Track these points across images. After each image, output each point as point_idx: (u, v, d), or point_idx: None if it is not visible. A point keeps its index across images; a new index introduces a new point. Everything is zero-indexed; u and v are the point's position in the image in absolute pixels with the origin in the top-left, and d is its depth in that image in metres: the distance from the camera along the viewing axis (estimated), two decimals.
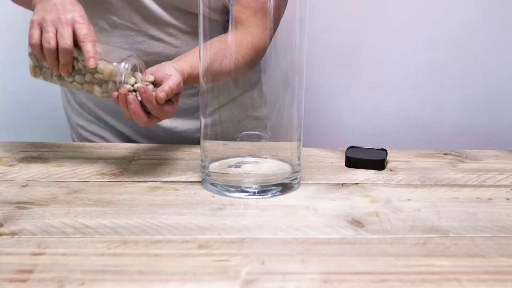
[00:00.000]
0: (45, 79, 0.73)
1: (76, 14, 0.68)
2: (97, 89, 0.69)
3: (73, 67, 0.69)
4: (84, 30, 0.67)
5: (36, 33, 0.68)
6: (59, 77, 0.71)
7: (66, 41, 0.66)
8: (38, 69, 0.73)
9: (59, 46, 0.67)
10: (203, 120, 0.68)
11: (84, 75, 0.70)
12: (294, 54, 0.82)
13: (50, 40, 0.67)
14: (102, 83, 0.69)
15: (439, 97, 1.43)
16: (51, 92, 1.36)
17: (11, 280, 0.45)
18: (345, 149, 0.83)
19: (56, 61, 0.68)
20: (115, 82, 0.67)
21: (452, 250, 0.52)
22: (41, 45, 0.68)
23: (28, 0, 0.76)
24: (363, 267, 0.48)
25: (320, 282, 0.45)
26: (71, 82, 0.71)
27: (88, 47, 0.67)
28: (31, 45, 0.68)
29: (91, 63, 0.66)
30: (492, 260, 0.50)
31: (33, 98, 1.38)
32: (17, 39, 1.31)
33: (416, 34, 1.38)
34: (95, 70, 0.68)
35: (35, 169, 0.75)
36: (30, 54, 0.72)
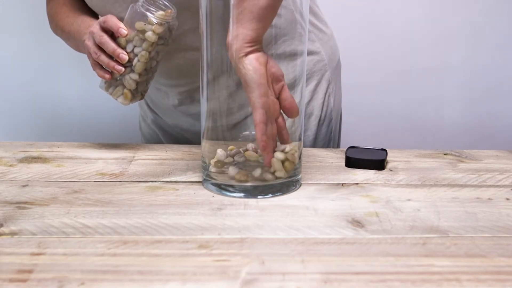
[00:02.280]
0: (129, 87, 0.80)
1: (93, 25, 0.78)
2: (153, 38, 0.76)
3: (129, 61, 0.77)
4: (102, 20, 0.76)
5: (91, 60, 0.79)
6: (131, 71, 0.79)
7: (100, 39, 0.76)
8: (127, 91, 0.80)
9: (100, 45, 0.76)
10: (203, 120, 0.68)
11: (137, 47, 0.77)
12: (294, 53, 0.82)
13: (95, 54, 0.78)
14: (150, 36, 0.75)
15: (439, 97, 1.43)
16: (51, 92, 1.36)
17: (11, 280, 0.45)
18: (345, 149, 0.83)
19: (111, 59, 0.77)
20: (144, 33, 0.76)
21: (452, 250, 0.52)
22: (99, 65, 0.79)
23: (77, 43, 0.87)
24: (363, 267, 0.48)
25: (320, 282, 0.45)
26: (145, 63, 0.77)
27: (111, 23, 0.75)
28: (96, 70, 0.80)
29: (122, 33, 0.75)
30: (492, 260, 0.50)
31: (33, 98, 1.38)
32: (17, 39, 1.31)
33: (416, 34, 1.38)
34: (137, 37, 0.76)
35: (35, 169, 0.75)
36: (103, 87, 0.82)
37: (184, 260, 0.49)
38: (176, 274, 0.46)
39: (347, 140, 1.35)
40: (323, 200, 0.64)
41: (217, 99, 0.67)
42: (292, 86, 0.66)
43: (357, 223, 0.58)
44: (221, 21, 0.64)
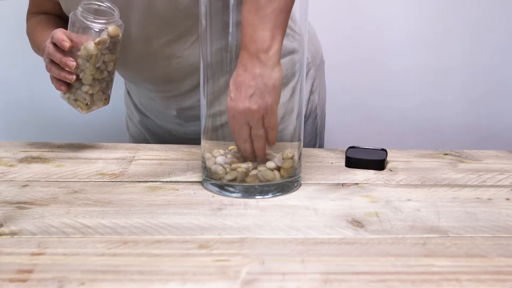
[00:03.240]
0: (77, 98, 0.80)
1: (48, 40, 0.78)
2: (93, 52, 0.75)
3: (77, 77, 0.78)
4: (51, 35, 0.76)
5: (53, 81, 0.80)
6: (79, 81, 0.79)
7: (47, 50, 0.76)
8: (80, 103, 0.80)
9: (49, 56, 0.77)
10: (203, 121, 0.68)
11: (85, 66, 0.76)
12: (294, 54, 0.82)
13: (47, 67, 0.78)
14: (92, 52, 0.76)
15: (439, 97, 1.43)
16: (50, 92, 1.36)
17: (11, 280, 0.45)
18: (345, 149, 0.83)
19: (62, 69, 0.77)
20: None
21: (452, 250, 0.52)
22: (55, 78, 0.79)
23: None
24: (363, 267, 0.48)
25: (320, 282, 0.45)
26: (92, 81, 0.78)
27: (55, 37, 0.75)
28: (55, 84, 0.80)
29: (64, 45, 0.74)
30: (492, 260, 0.50)
31: (33, 98, 1.38)
32: (17, 40, 1.31)
33: (416, 34, 1.38)
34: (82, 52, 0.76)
35: (35, 169, 0.75)
36: (63, 96, 0.81)
37: (184, 260, 0.49)
38: (176, 274, 0.46)
39: (347, 140, 1.35)
40: (323, 200, 0.64)
41: (217, 100, 0.67)
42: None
43: (357, 223, 0.58)
44: (220, 22, 0.64)
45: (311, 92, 0.96)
